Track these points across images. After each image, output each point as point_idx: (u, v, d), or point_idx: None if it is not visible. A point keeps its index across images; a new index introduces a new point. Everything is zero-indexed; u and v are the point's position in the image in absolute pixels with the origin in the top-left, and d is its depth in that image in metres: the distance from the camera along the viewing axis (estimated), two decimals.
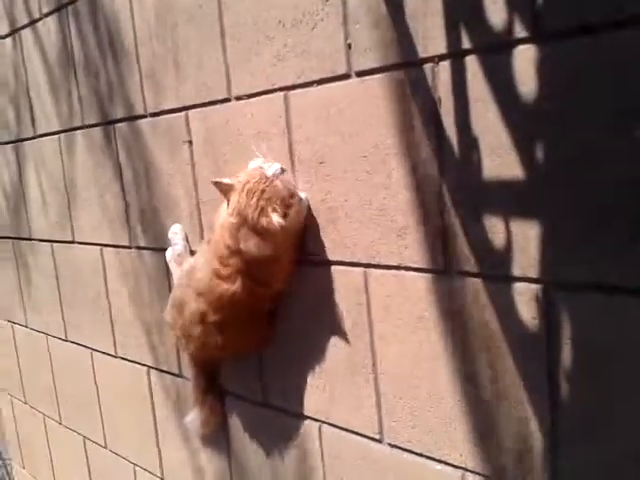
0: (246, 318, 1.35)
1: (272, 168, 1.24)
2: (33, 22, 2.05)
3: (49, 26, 1.97)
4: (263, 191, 1.21)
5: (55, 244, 2.20)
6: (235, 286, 1.31)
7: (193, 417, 1.63)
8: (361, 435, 1.29)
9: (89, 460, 2.33)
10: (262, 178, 1.23)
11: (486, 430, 1.07)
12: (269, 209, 1.20)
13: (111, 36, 1.72)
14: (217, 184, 1.28)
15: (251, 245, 1.24)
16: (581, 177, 0.88)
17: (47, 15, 1.97)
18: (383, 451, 1.25)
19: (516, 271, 0.97)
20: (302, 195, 1.27)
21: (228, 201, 1.27)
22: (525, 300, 0.97)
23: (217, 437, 1.67)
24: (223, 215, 1.30)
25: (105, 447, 2.20)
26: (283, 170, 1.25)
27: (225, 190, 1.27)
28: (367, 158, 1.16)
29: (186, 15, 1.47)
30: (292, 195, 1.23)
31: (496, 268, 1.00)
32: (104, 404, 2.15)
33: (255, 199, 1.21)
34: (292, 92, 1.27)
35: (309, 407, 1.39)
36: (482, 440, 1.08)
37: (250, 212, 1.22)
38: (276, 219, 1.18)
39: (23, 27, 2.10)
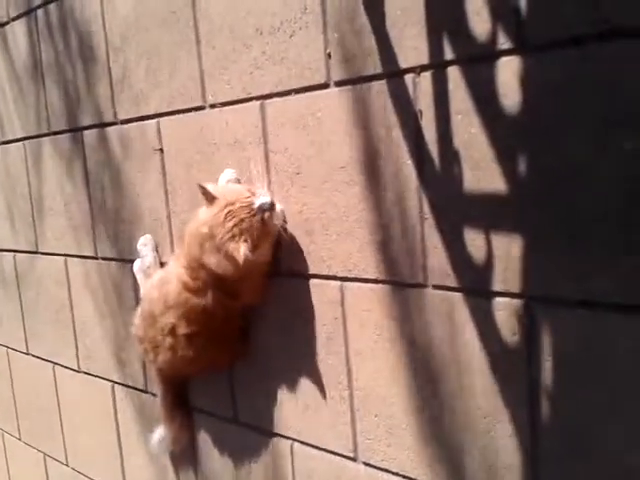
0: (217, 332, 1.32)
1: (262, 199, 1.17)
2: (0, 26, 1.98)
3: (17, 30, 1.92)
4: (242, 220, 1.16)
5: (18, 254, 2.12)
6: (205, 300, 1.27)
7: (161, 435, 1.57)
8: (335, 454, 1.25)
9: (49, 478, 2.24)
10: (247, 207, 1.17)
11: (465, 449, 1.04)
12: (241, 239, 1.15)
13: (81, 41, 1.68)
14: (202, 189, 1.21)
15: (213, 261, 1.21)
16: (565, 191, 0.87)
17: (15, 19, 1.91)
18: (357, 470, 1.22)
19: (497, 286, 0.96)
20: (277, 208, 1.24)
21: (207, 208, 1.22)
22: (505, 316, 0.96)
23: (185, 455, 1.61)
24: (196, 222, 1.25)
25: (66, 464, 2.12)
26: (272, 205, 1.18)
27: (208, 198, 1.21)
28: (345, 169, 1.14)
29: (159, 20, 1.43)
30: (267, 234, 1.19)
31: (476, 283, 0.99)
32: (66, 420, 2.07)
33: (231, 224, 1.16)
34: (269, 101, 1.24)
35: (281, 424, 1.35)
36: (461, 459, 1.05)
37: (221, 233, 1.17)
38: (243, 251, 1.13)
39: None
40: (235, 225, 1.16)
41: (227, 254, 1.17)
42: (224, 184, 1.30)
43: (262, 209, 1.16)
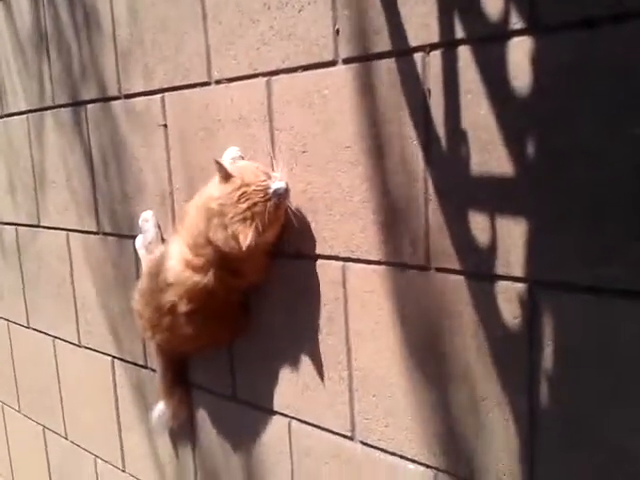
0: (218, 309, 1.31)
1: (277, 184, 1.16)
2: None
3: (22, 2, 1.89)
4: (256, 204, 1.15)
5: (20, 227, 2.12)
6: (207, 278, 1.26)
7: (160, 410, 1.58)
8: (332, 432, 1.26)
9: (48, 450, 2.26)
10: (262, 191, 1.15)
11: (462, 431, 1.05)
12: (252, 224, 1.14)
13: (87, 13, 1.66)
14: (218, 165, 1.19)
15: (219, 237, 1.19)
16: (574, 174, 0.86)
17: None
18: (355, 449, 1.22)
19: (500, 269, 0.95)
20: (282, 185, 1.23)
21: (219, 185, 1.19)
22: (507, 299, 0.95)
23: (182, 430, 1.62)
24: (204, 196, 1.24)
25: (65, 437, 2.13)
26: (287, 190, 1.17)
27: (223, 175, 1.19)
28: (350, 149, 1.13)
29: None
30: (278, 218, 1.18)
31: (479, 266, 0.98)
32: (66, 394, 2.08)
33: (245, 205, 1.15)
34: (275, 77, 1.23)
35: (279, 402, 1.36)
36: (457, 441, 1.06)
37: (232, 213, 1.16)
38: (249, 239, 1.13)
39: None
40: (248, 208, 1.15)
41: (234, 234, 1.16)
42: (253, 166, 1.28)
43: (277, 194, 1.15)
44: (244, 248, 1.14)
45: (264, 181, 1.17)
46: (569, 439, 0.92)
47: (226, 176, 1.18)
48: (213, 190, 1.21)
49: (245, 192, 1.15)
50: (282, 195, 1.16)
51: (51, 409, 2.15)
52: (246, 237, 1.14)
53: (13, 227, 2.15)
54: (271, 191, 1.15)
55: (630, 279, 0.83)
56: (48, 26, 1.80)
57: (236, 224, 1.16)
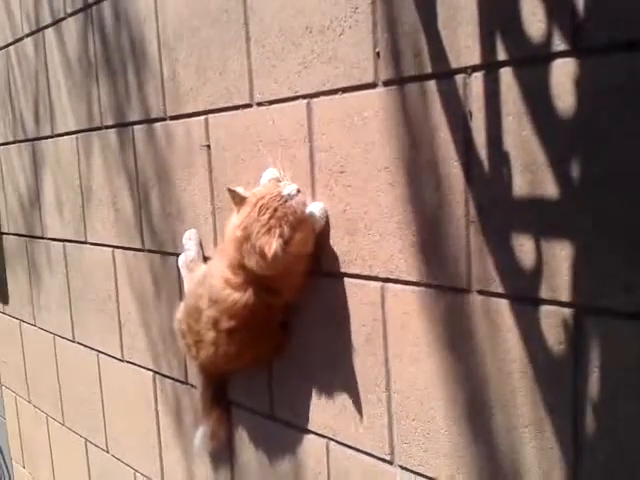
0: (259, 327, 1.32)
1: (289, 188, 1.21)
2: (56, 22, 2.04)
3: (72, 26, 1.97)
4: (276, 209, 1.18)
5: (67, 244, 2.18)
6: (246, 296, 1.28)
7: (202, 432, 1.58)
8: (370, 455, 1.25)
9: (90, 463, 2.30)
10: (278, 196, 1.19)
11: (503, 458, 1.02)
12: (277, 231, 1.16)
13: (133, 37, 1.71)
14: (231, 192, 1.25)
15: (253, 263, 1.21)
16: (619, 198, 0.84)
17: (71, 15, 1.97)
18: (393, 473, 1.21)
19: (544, 294, 0.93)
20: (319, 206, 1.24)
21: (238, 212, 1.24)
22: (552, 324, 0.93)
23: (221, 448, 1.63)
24: (231, 227, 1.27)
25: (107, 451, 2.17)
26: (299, 191, 1.21)
27: (238, 201, 1.25)
28: (390, 170, 1.13)
29: (210, 19, 1.45)
30: (302, 220, 1.20)
31: (523, 290, 0.96)
32: (108, 408, 2.12)
33: (267, 215, 1.18)
34: (316, 100, 1.24)
35: (317, 422, 1.35)
36: (499, 468, 1.03)
37: (257, 228, 1.18)
38: (274, 247, 1.14)
39: (47, 26, 2.10)
40: (271, 217, 1.17)
41: (260, 249, 1.17)
42: (266, 182, 1.30)
43: (291, 195, 1.19)
44: (270, 257, 1.15)
45: (277, 188, 1.21)
46: (615, 468, 0.89)
47: (240, 200, 1.23)
48: (234, 219, 1.25)
49: (263, 204, 1.19)
50: (295, 195, 1.19)
51: (94, 422, 2.20)
52: (270, 246, 1.15)
53: (61, 243, 2.22)
54: (285, 193, 1.19)
55: None
56: (97, 50, 1.87)
57: (262, 238, 1.17)
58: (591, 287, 0.89)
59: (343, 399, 1.28)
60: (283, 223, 1.17)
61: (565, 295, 0.91)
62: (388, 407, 1.20)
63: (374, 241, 1.18)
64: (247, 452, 1.56)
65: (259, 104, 1.37)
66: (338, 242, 1.24)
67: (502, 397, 1.01)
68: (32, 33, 2.19)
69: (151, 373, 1.86)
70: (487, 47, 0.95)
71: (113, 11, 1.76)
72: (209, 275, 1.39)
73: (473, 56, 0.97)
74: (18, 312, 2.67)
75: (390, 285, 1.16)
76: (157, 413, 1.87)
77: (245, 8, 1.35)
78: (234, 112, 1.43)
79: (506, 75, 0.93)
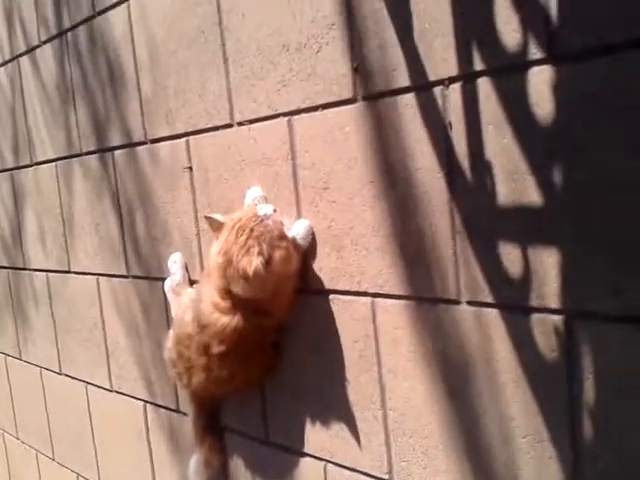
0: (250, 349, 1.30)
1: (265, 208, 1.21)
2: (31, 49, 2.03)
3: (47, 53, 1.96)
4: (252, 229, 1.17)
5: (51, 274, 2.15)
6: (235, 319, 1.26)
7: (195, 461, 1.55)
8: (369, 475, 1.22)
9: None
10: (253, 217, 1.19)
11: (503, 471, 1.01)
12: (255, 250, 1.15)
13: (110, 62, 1.70)
14: (209, 219, 1.26)
15: (238, 288, 1.20)
16: (602, 204, 0.84)
17: (45, 42, 1.96)
18: None
19: (534, 301, 0.93)
20: (305, 224, 1.23)
21: (217, 239, 1.23)
22: (543, 332, 0.92)
23: (216, 475, 1.60)
24: (213, 254, 1.26)
25: None
26: (275, 211, 1.21)
27: (216, 227, 1.24)
28: (374, 183, 1.12)
29: (187, 40, 1.44)
30: (281, 237, 1.19)
31: (512, 298, 0.96)
32: (98, 440, 2.08)
33: (244, 237, 1.17)
34: (296, 117, 1.24)
35: (313, 445, 1.33)
36: None
37: (236, 251, 1.17)
38: (255, 264, 1.13)
39: (21, 54, 2.08)
40: (248, 237, 1.17)
41: (243, 272, 1.16)
42: (250, 202, 1.30)
43: (267, 215, 1.19)
44: (251, 275, 1.14)
45: (252, 209, 1.22)
46: (614, 475, 0.88)
47: (218, 226, 1.23)
48: (213, 248, 1.25)
49: (240, 227, 1.19)
50: (271, 214, 1.19)
51: (85, 456, 2.15)
52: (251, 264, 1.14)
53: (44, 273, 2.19)
54: (261, 214, 1.19)
55: None
56: (74, 75, 1.86)
57: (242, 259, 1.16)
58: (580, 293, 0.88)
59: (339, 419, 1.26)
60: (261, 241, 1.16)
61: (555, 302, 0.90)
62: (384, 425, 1.18)
63: (362, 256, 1.17)
64: (243, 479, 1.53)
65: (240, 124, 1.36)
66: (325, 259, 1.23)
67: (497, 408, 1.00)
68: (7, 62, 2.17)
69: (141, 402, 1.83)
70: (464, 58, 0.95)
71: (88, 36, 1.76)
72: (197, 300, 1.37)
73: (450, 67, 0.97)
74: (3, 346, 2.62)
75: (380, 300, 1.15)
76: (149, 443, 1.83)
77: (221, 29, 1.35)
78: (215, 132, 1.42)
79: (484, 85, 0.94)
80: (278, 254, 1.17)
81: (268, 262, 1.15)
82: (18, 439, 2.63)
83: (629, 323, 0.84)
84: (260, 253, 1.15)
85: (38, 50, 2.00)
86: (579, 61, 0.84)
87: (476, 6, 0.93)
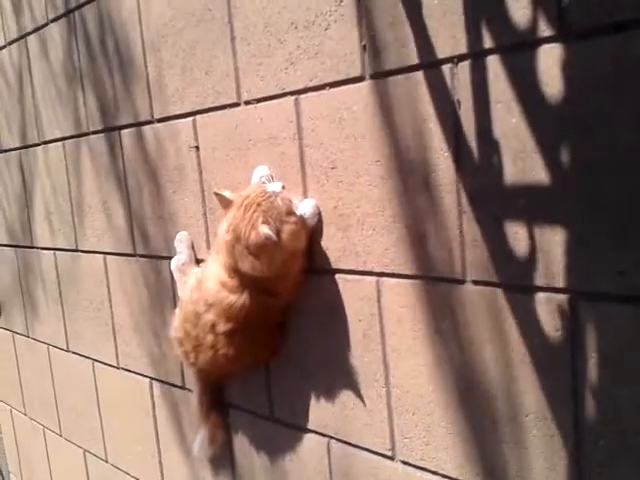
0: (257, 328, 1.31)
1: (273, 185, 1.22)
2: (39, 28, 2.03)
3: (55, 32, 1.95)
4: (259, 204, 1.18)
5: (58, 252, 2.16)
6: (243, 298, 1.27)
7: (200, 439, 1.57)
8: (372, 452, 1.24)
9: (89, 473, 2.28)
10: (262, 193, 1.20)
11: (505, 448, 1.02)
12: (260, 220, 1.16)
13: (118, 41, 1.70)
14: (218, 196, 1.26)
15: (247, 265, 1.20)
16: (611, 182, 0.83)
17: (53, 21, 1.95)
18: (395, 469, 1.20)
19: (539, 280, 0.93)
20: (312, 203, 1.23)
21: (225, 216, 1.24)
22: (548, 311, 0.93)
23: (221, 451, 1.62)
24: (221, 231, 1.26)
25: (106, 460, 2.15)
26: (283, 188, 1.22)
27: (225, 204, 1.25)
28: (381, 163, 1.12)
29: (194, 19, 1.44)
30: (289, 213, 1.19)
31: (517, 277, 0.96)
32: (105, 416, 2.11)
33: (251, 212, 1.18)
34: (303, 96, 1.23)
35: (317, 422, 1.34)
36: (501, 459, 1.03)
37: (243, 226, 1.18)
38: (264, 230, 1.13)
39: (29, 33, 2.08)
40: (254, 212, 1.18)
41: (254, 245, 1.16)
42: (257, 181, 1.30)
43: (275, 192, 1.19)
44: (263, 239, 1.13)
45: (261, 186, 1.22)
46: (617, 453, 0.89)
47: (228, 203, 1.24)
48: (223, 225, 1.25)
49: (248, 203, 1.19)
50: (279, 191, 1.20)
51: (91, 432, 2.18)
52: (258, 231, 1.14)
53: (52, 252, 2.20)
54: (270, 191, 1.20)
55: None
56: (81, 54, 1.85)
57: (250, 234, 1.17)
58: (585, 272, 0.89)
59: (342, 396, 1.27)
60: (267, 215, 1.16)
61: (560, 281, 0.91)
62: (388, 402, 1.19)
63: (367, 236, 1.17)
64: (247, 454, 1.55)
65: (247, 102, 1.36)
66: (331, 238, 1.24)
67: (502, 386, 1.01)
68: (15, 40, 2.17)
69: (147, 379, 1.85)
70: (473, 36, 0.95)
71: (96, 15, 1.75)
72: (204, 278, 1.37)
73: (459, 45, 0.97)
74: (11, 324, 2.65)
75: (385, 279, 1.16)
76: (155, 419, 1.86)
77: (229, 6, 1.35)
78: (222, 111, 1.42)
79: (493, 63, 0.93)
80: (287, 228, 1.17)
81: (278, 236, 1.15)
82: (26, 415, 2.67)
83: (633, 303, 0.84)
84: (265, 222, 1.15)
85: (46, 29, 1.99)
86: (589, 39, 0.83)
87: None
